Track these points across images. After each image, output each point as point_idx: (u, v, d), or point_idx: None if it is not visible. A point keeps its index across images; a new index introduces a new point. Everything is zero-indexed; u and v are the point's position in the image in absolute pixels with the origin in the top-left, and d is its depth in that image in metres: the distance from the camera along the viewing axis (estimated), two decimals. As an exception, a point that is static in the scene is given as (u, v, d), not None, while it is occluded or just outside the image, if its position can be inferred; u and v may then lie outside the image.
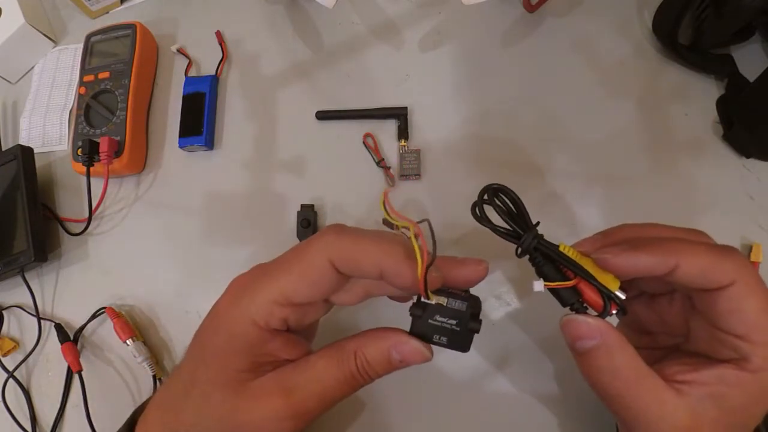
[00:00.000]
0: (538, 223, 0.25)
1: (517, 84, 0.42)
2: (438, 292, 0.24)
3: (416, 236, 0.22)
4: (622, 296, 0.23)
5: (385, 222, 0.25)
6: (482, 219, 0.25)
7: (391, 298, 0.27)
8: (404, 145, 0.41)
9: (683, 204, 0.38)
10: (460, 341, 0.24)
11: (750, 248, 0.36)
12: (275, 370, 0.25)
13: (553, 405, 0.35)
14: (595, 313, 0.23)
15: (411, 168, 0.41)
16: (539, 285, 0.24)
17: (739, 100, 0.38)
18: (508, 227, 0.25)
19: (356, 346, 0.24)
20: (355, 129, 0.43)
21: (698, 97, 0.40)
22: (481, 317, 0.24)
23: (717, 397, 0.22)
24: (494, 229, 0.25)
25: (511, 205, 0.25)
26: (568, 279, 0.24)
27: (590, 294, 0.23)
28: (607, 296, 0.23)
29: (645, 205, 0.38)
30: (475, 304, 0.24)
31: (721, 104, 0.39)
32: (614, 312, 0.23)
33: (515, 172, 0.40)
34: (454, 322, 0.23)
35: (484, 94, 0.43)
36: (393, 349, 0.24)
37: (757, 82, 0.36)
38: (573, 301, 0.24)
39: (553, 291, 0.24)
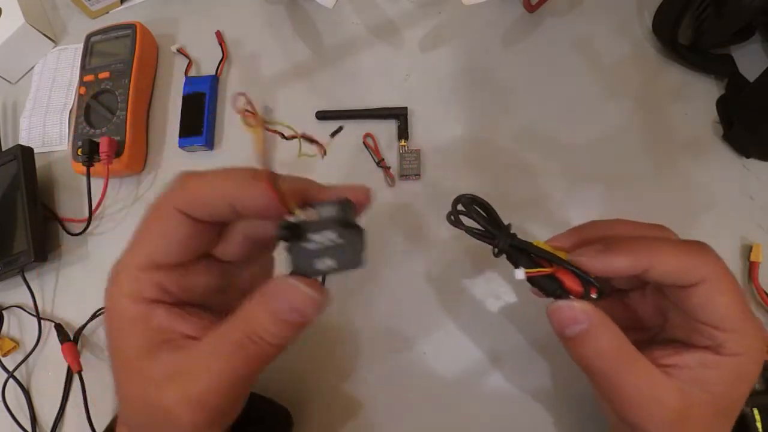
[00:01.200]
0: (510, 224, 0.26)
1: (517, 84, 0.42)
2: (303, 208, 0.20)
3: (262, 127, 0.19)
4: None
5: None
6: (457, 224, 0.26)
7: None
8: (404, 145, 0.41)
9: (683, 204, 0.38)
10: (350, 254, 0.20)
11: (750, 248, 0.36)
12: (170, 351, 0.22)
13: (549, 404, 0.35)
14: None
15: (411, 168, 0.41)
16: (520, 273, 0.24)
17: (739, 100, 0.38)
18: (482, 229, 0.26)
19: (243, 312, 0.21)
20: (355, 129, 0.43)
21: (698, 97, 0.40)
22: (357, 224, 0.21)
23: (700, 380, 0.23)
24: (470, 231, 0.26)
25: (482, 212, 0.26)
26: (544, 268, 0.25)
27: (569, 281, 0.24)
28: (585, 280, 0.23)
29: (645, 205, 0.38)
30: (345, 201, 0.21)
31: (721, 104, 0.39)
32: (594, 296, 0.23)
33: (515, 172, 0.40)
34: (332, 234, 0.20)
35: (484, 94, 0.43)
36: (275, 300, 0.21)
37: (757, 82, 0.36)
38: (555, 288, 0.24)
39: (534, 281, 0.24)
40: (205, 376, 0.21)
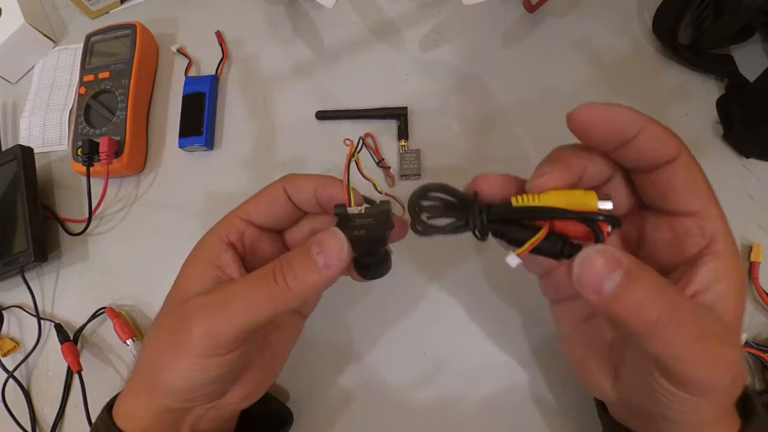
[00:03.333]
0: (476, 193, 0.23)
1: (517, 84, 0.42)
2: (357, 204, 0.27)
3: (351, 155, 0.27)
4: (608, 206, 0.20)
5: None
6: (427, 231, 0.23)
7: None
8: (404, 145, 0.41)
9: (683, 204, 0.38)
10: (377, 230, 0.25)
11: (750, 248, 0.36)
12: (217, 288, 0.26)
13: (551, 405, 0.35)
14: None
15: (411, 168, 0.41)
16: (513, 258, 0.21)
17: (739, 100, 0.38)
18: (452, 220, 0.23)
19: (284, 255, 0.25)
20: (355, 129, 0.43)
21: (698, 97, 0.40)
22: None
23: (722, 299, 0.21)
24: (443, 230, 0.23)
25: (444, 196, 0.23)
26: (539, 230, 0.21)
27: (574, 228, 0.20)
28: (590, 219, 0.20)
29: (645, 205, 0.38)
30: (385, 201, 0.27)
31: (721, 104, 0.39)
32: (609, 230, 0.20)
33: (515, 172, 0.40)
34: (370, 219, 0.25)
35: (484, 94, 0.43)
36: (314, 242, 0.24)
37: (757, 82, 0.36)
38: (561, 247, 0.20)
39: (535, 251, 0.21)
40: (230, 296, 0.25)
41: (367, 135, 0.42)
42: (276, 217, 0.29)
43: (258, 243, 0.29)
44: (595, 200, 0.20)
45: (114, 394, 0.30)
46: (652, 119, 0.22)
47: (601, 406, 0.29)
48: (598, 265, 0.19)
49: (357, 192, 0.27)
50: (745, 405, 0.25)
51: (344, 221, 0.26)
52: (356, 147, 0.28)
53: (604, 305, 0.19)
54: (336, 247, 0.24)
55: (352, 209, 0.26)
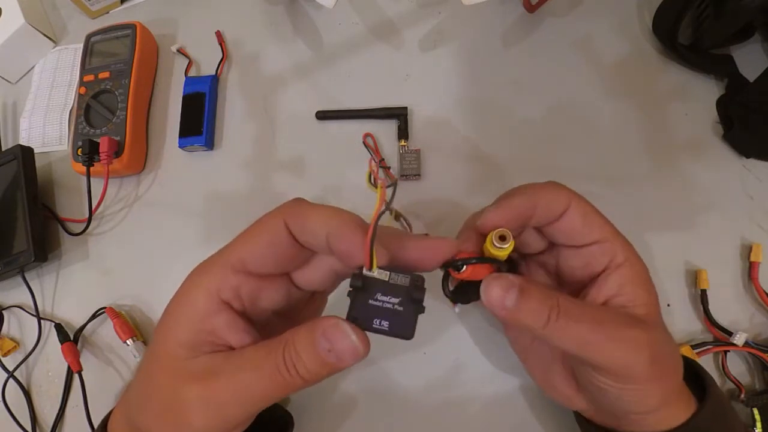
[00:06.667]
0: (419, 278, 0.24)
1: (517, 84, 0.42)
2: (382, 269, 0.22)
3: (381, 187, 0.22)
4: (505, 245, 0.24)
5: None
6: (461, 297, 0.26)
7: None
8: (404, 145, 0.41)
9: (683, 204, 0.38)
10: (404, 325, 0.22)
11: (750, 248, 0.36)
12: (210, 354, 0.23)
13: (552, 406, 0.35)
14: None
15: (411, 168, 0.41)
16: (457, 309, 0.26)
17: (739, 100, 0.38)
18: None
19: (289, 335, 0.22)
20: (355, 129, 0.43)
21: (698, 97, 0.40)
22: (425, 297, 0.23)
23: (631, 300, 0.25)
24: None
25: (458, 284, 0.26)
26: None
27: (481, 272, 0.24)
28: (488, 261, 0.24)
29: (645, 206, 0.38)
30: (419, 279, 0.22)
31: (721, 104, 0.39)
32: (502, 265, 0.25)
33: (515, 172, 0.40)
34: (396, 300, 0.22)
35: (484, 94, 0.43)
36: (322, 335, 0.21)
37: (757, 82, 0.36)
38: (475, 290, 0.24)
39: (464, 298, 0.25)
40: (232, 385, 0.22)
41: (367, 135, 0.42)
42: (278, 262, 0.24)
43: (259, 293, 0.24)
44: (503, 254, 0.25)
45: (114, 394, 0.30)
46: (541, 187, 0.26)
47: (579, 415, 0.31)
48: (498, 288, 0.23)
49: (382, 250, 0.22)
50: (700, 387, 0.28)
51: (362, 296, 0.22)
52: (390, 195, 0.22)
53: (511, 318, 0.23)
54: (348, 348, 0.21)
55: (374, 273, 0.22)
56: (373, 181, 0.24)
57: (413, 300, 0.22)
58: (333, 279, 0.26)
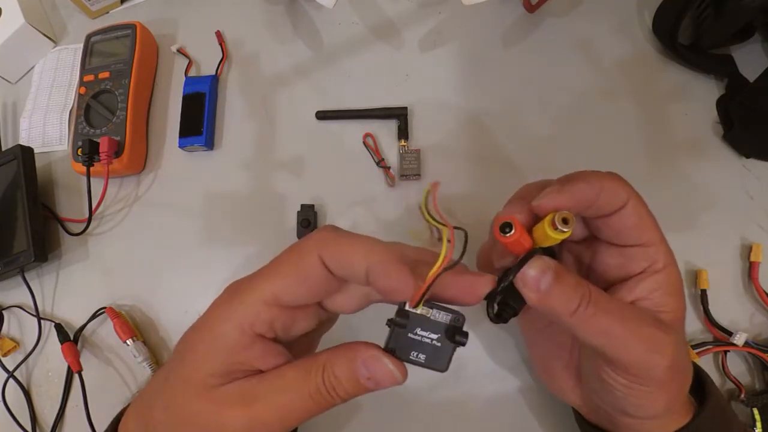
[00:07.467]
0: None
1: (517, 84, 0.42)
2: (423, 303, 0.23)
3: (448, 240, 0.21)
4: (566, 229, 0.23)
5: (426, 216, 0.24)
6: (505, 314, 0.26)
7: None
8: (404, 145, 0.41)
9: (683, 204, 0.38)
10: (440, 358, 0.22)
11: (750, 248, 0.36)
12: (243, 378, 0.23)
13: (553, 406, 0.35)
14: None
15: (411, 168, 0.41)
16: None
17: (739, 100, 0.38)
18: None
19: (327, 359, 0.23)
20: (355, 129, 0.43)
21: (698, 97, 0.40)
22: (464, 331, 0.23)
23: (660, 305, 0.25)
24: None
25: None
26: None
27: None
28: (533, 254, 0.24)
29: (645, 205, 0.38)
30: (459, 319, 0.23)
31: (721, 104, 0.39)
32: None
33: (515, 172, 0.40)
34: (435, 336, 0.22)
35: (484, 94, 0.43)
36: (362, 364, 0.22)
37: (757, 82, 0.36)
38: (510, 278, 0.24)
39: (504, 293, 0.25)
40: (274, 406, 0.22)
41: (367, 135, 0.42)
42: (312, 295, 0.24)
43: (292, 323, 0.24)
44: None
45: (114, 394, 0.29)
46: (605, 177, 0.25)
47: (578, 413, 0.31)
48: (536, 269, 0.23)
49: (423, 288, 0.22)
50: (702, 390, 0.28)
51: (401, 329, 0.22)
52: (461, 250, 0.21)
53: (541, 302, 0.23)
54: (388, 377, 0.22)
55: (416, 310, 0.22)
56: (429, 213, 0.22)
57: (451, 336, 0.22)
58: (364, 304, 0.26)
